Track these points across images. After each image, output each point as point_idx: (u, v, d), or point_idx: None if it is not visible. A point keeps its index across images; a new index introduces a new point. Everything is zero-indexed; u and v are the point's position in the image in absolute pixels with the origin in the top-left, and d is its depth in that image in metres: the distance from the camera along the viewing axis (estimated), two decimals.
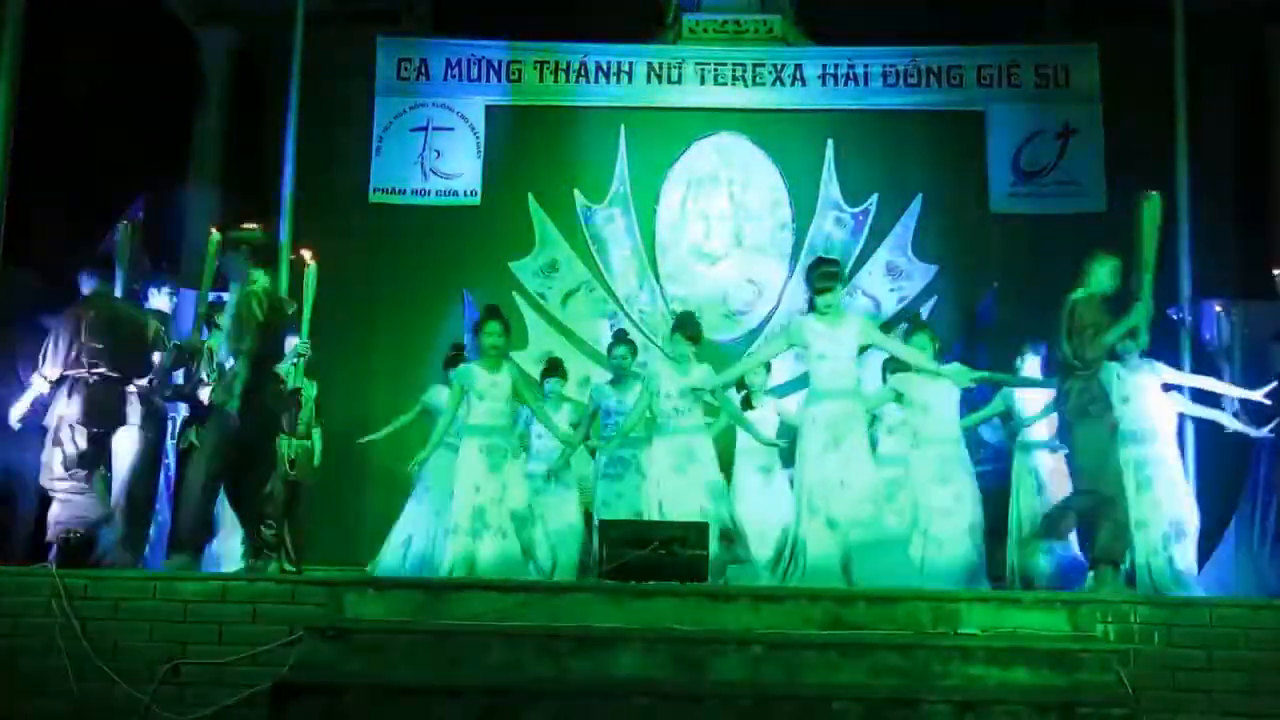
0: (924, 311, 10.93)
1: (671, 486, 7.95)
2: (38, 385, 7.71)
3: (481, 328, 8.15)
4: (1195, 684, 6.26)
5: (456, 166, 11.34)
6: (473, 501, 7.79)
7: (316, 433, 8.96)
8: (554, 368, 9.36)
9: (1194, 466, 9.28)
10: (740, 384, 8.84)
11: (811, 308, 7.52)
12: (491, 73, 11.46)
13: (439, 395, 8.79)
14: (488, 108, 11.43)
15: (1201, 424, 9.12)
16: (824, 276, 7.44)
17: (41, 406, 7.81)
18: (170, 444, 8.54)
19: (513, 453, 8.11)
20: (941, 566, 7.86)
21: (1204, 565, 8.63)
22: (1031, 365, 9.05)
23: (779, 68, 11.36)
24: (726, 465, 8.64)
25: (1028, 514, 8.83)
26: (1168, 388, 8.28)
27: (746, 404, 8.96)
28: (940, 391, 8.16)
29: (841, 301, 7.48)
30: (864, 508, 7.19)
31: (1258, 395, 8.39)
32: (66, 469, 7.54)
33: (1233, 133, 10.70)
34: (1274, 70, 10.84)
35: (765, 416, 8.89)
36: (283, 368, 8.70)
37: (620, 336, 9.11)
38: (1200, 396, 8.57)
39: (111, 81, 9.62)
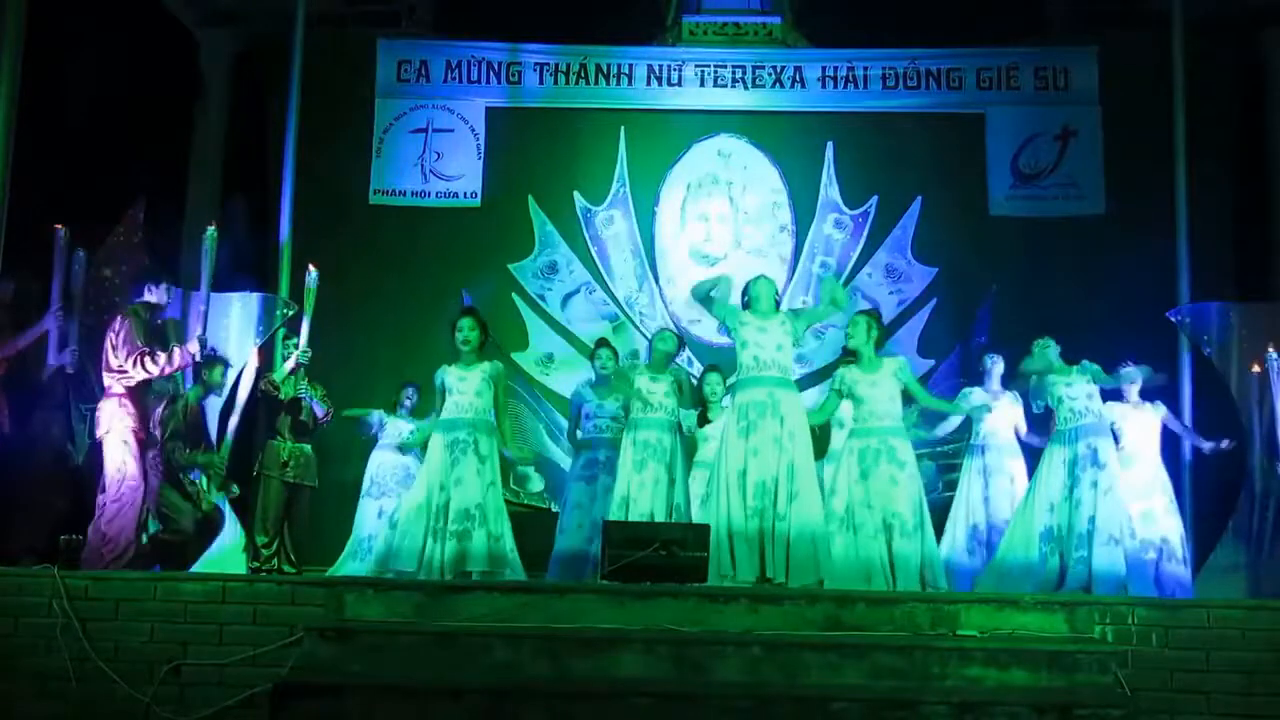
0: (924, 313, 10.97)
1: (636, 481, 8.08)
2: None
3: (453, 325, 8.19)
4: (1193, 685, 6.26)
5: (457, 168, 11.36)
6: (426, 499, 7.84)
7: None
8: None
9: (1189, 471, 9.35)
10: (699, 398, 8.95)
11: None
12: (492, 75, 11.47)
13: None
14: (488, 109, 11.44)
15: (1199, 427, 9.19)
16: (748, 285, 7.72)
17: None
18: None
19: (476, 445, 8.04)
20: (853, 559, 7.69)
21: (1201, 567, 8.68)
22: (997, 372, 9.14)
23: (779, 70, 11.37)
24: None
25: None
26: None
27: (704, 419, 8.99)
28: (875, 383, 8.00)
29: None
30: (765, 498, 7.24)
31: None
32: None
33: (1231, 134, 10.71)
34: (1272, 72, 10.86)
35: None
36: (279, 373, 8.77)
37: (603, 342, 9.18)
38: None
39: (112, 82, 9.62)
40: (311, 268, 8.94)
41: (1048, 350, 8.32)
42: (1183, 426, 8.78)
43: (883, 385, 7.77)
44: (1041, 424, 8.65)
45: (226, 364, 8.49)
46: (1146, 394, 8.68)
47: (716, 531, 7.26)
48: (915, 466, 7.85)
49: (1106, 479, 7.97)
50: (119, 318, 7.76)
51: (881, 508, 7.67)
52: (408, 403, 9.43)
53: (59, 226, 8.21)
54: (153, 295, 7.97)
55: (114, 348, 7.61)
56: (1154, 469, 8.61)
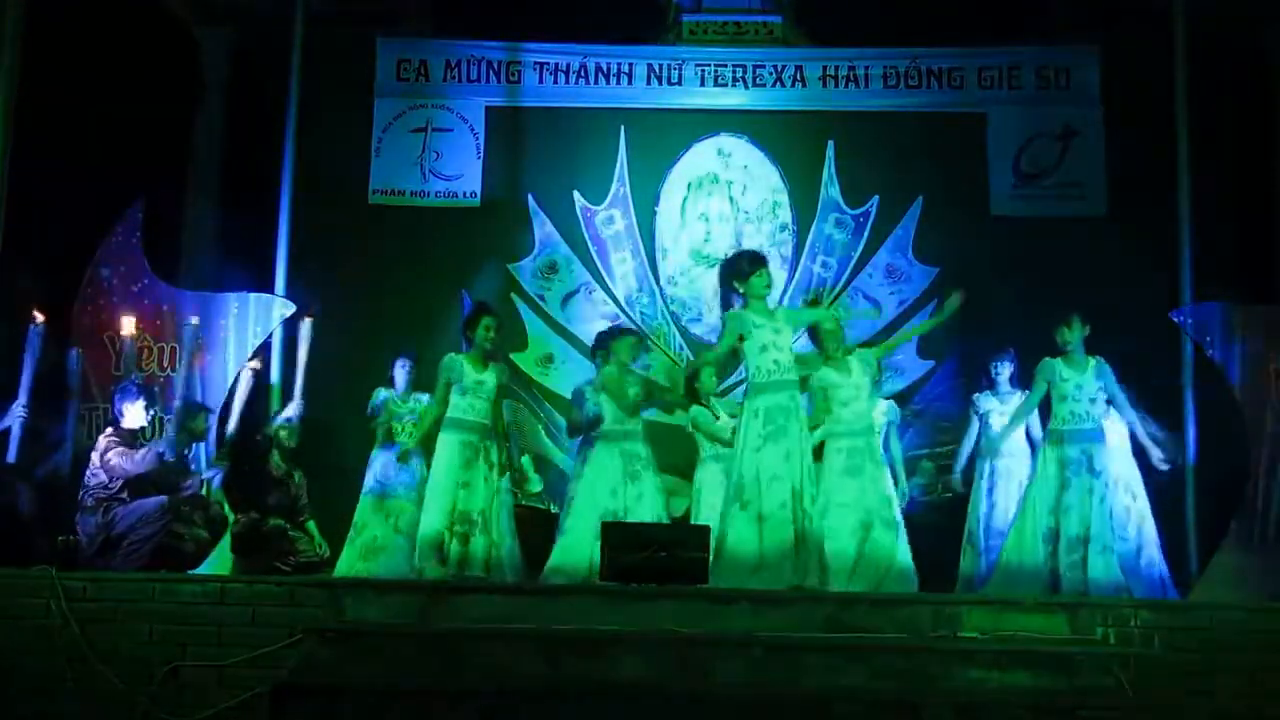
0: (924, 314, 10.95)
1: (633, 493, 8.22)
2: None
3: (476, 322, 8.23)
4: (1195, 687, 6.30)
5: (456, 168, 11.28)
6: (452, 498, 7.95)
7: (311, 524, 9.05)
8: None
9: (1192, 473, 9.34)
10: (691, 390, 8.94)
11: (740, 303, 7.56)
12: (491, 74, 11.41)
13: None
14: (487, 109, 11.37)
15: (1202, 428, 9.22)
16: (755, 261, 7.60)
17: None
18: None
19: (487, 452, 8.17)
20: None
21: (1204, 568, 8.67)
22: (1005, 375, 9.15)
23: (779, 69, 11.31)
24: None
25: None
26: None
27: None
28: (848, 381, 8.16)
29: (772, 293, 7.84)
30: (796, 502, 7.22)
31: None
32: None
33: (1234, 133, 10.66)
34: (1276, 70, 10.76)
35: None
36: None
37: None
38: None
39: (111, 82, 9.61)
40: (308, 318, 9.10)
41: (1084, 330, 8.21)
42: (1146, 436, 8.71)
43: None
44: None
45: (209, 411, 8.53)
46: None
47: (741, 541, 7.26)
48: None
49: (1101, 487, 7.97)
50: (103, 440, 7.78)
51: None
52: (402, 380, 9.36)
53: (37, 315, 8.21)
54: (130, 416, 7.96)
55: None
56: (1128, 464, 8.70)
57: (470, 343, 8.29)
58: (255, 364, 9.11)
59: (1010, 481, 8.95)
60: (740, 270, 7.55)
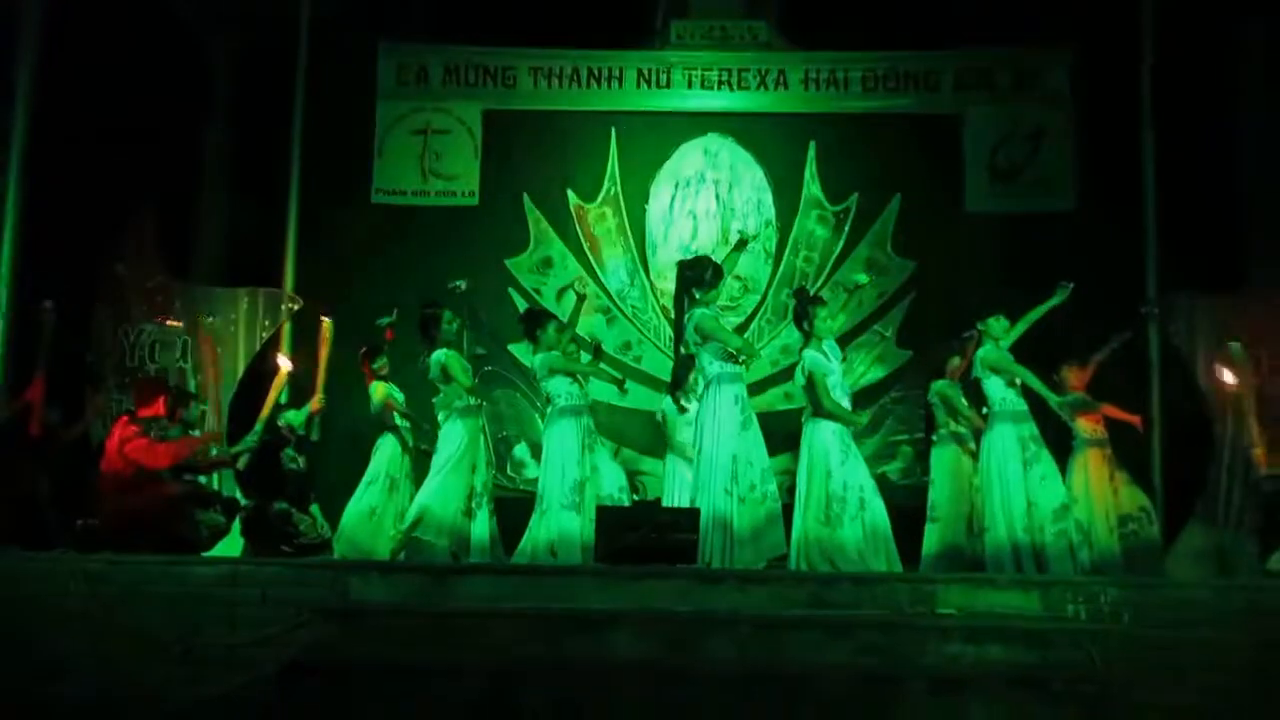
0: (902, 306, 11.17)
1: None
2: None
3: (438, 320, 8.60)
4: (1163, 661, 6.35)
5: (455, 168, 11.52)
6: (472, 480, 8.39)
7: (314, 508, 9.24)
8: None
9: (1160, 451, 9.54)
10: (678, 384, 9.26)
11: (697, 302, 7.83)
12: (488, 78, 11.62)
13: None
14: (485, 112, 11.59)
15: (1167, 408, 9.43)
16: (718, 273, 7.95)
17: None
18: None
19: None
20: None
21: (1169, 547, 8.89)
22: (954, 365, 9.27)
23: (763, 72, 11.52)
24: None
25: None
26: None
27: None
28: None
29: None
30: (769, 484, 7.60)
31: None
32: None
33: (1199, 128, 10.67)
34: (1241, 66, 10.86)
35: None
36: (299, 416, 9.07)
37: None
38: None
39: (120, 89, 9.71)
40: (325, 319, 9.22)
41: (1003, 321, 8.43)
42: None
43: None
44: None
45: (198, 399, 8.73)
46: None
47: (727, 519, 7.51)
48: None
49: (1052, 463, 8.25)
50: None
51: None
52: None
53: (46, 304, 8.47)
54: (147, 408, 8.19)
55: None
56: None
57: (436, 340, 8.58)
58: (287, 364, 9.20)
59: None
60: (705, 279, 7.90)
